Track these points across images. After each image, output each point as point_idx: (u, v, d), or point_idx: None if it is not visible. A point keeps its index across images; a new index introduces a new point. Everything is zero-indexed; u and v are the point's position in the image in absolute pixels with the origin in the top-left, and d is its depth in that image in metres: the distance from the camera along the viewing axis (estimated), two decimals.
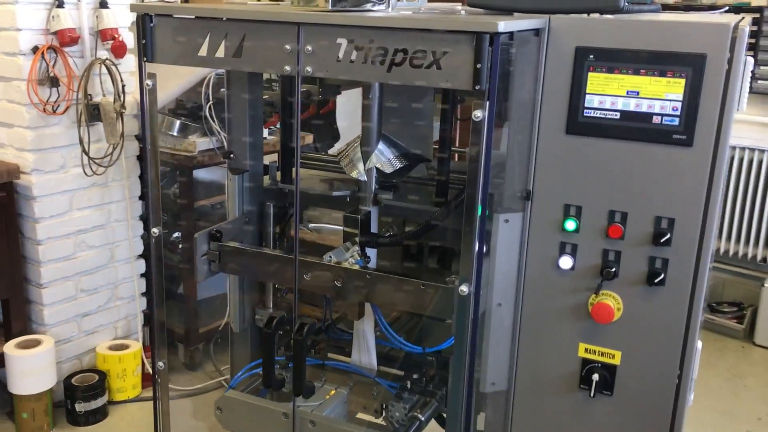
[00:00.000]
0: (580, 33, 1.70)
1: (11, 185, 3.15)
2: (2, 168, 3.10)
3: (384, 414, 2.00)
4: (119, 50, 3.30)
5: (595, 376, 1.82)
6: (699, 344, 1.80)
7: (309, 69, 1.61)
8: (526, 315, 1.90)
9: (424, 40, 1.50)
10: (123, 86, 3.27)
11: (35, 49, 3.06)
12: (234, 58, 1.67)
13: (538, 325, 1.89)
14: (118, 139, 3.25)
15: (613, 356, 1.83)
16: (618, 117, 1.71)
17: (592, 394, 1.82)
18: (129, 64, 3.38)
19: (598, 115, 1.72)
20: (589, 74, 1.71)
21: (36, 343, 3.26)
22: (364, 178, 1.94)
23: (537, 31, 1.69)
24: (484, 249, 1.86)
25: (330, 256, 1.84)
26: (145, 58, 1.72)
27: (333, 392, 2.00)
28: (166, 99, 3.43)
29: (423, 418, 1.95)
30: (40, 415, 3.28)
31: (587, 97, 1.72)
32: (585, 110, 1.73)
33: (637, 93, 1.69)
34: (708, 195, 1.67)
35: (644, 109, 1.69)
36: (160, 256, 1.92)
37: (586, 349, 1.85)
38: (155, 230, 1.88)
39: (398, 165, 1.95)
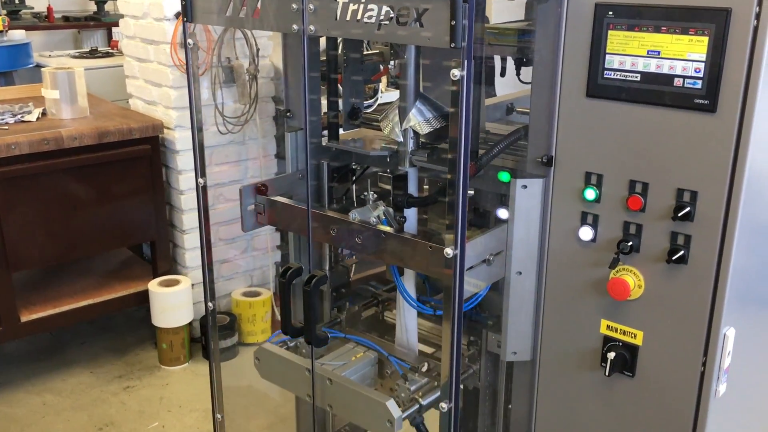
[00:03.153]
0: None
1: (156, 139, 3.50)
2: (148, 123, 3.46)
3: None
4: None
5: (611, 355, 1.71)
6: (732, 331, 1.63)
7: (312, 28, 1.66)
8: (550, 286, 1.82)
9: None
10: (257, 50, 3.49)
11: (178, 15, 3.36)
12: (254, 18, 1.76)
13: (561, 297, 1.81)
14: (248, 99, 3.49)
15: (635, 336, 1.72)
16: (638, 79, 1.58)
17: (607, 373, 1.72)
18: None
19: (618, 77, 1.60)
20: (609, 33, 1.59)
21: (176, 283, 3.62)
22: (400, 138, 1.94)
23: None
24: (506, 216, 1.82)
25: (355, 214, 1.88)
26: (185, 19, 1.85)
27: (361, 354, 2.03)
28: None
29: (424, 403, 1.87)
30: (177, 347, 3.65)
31: (607, 57, 1.61)
32: (605, 72, 1.62)
33: (658, 53, 1.55)
34: (734, 167, 1.51)
35: (665, 70, 1.54)
36: (206, 205, 2.08)
37: (608, 326, 1.75)
38: (201, 180, 2.03)
39: (437, 125, 1.93)
